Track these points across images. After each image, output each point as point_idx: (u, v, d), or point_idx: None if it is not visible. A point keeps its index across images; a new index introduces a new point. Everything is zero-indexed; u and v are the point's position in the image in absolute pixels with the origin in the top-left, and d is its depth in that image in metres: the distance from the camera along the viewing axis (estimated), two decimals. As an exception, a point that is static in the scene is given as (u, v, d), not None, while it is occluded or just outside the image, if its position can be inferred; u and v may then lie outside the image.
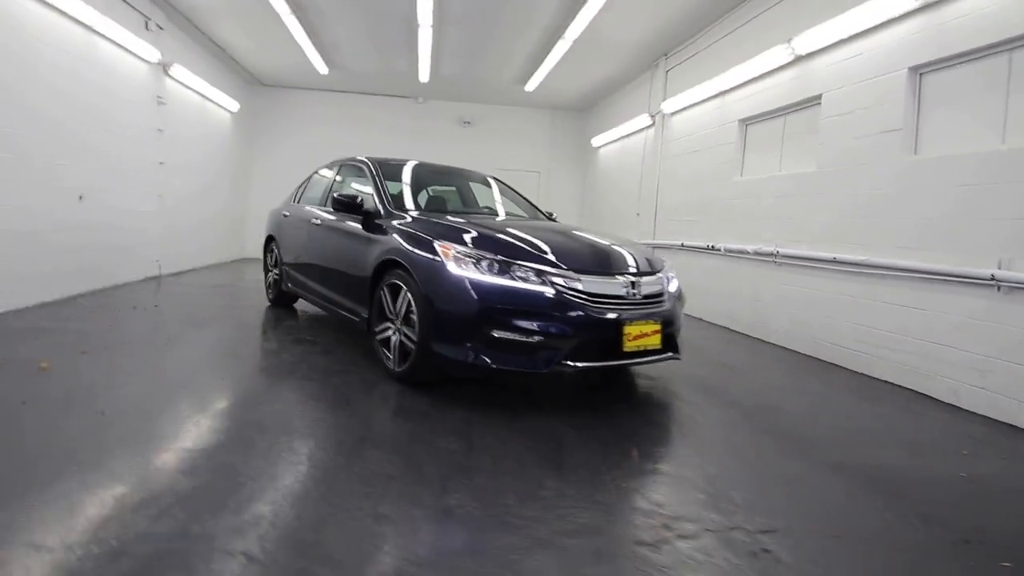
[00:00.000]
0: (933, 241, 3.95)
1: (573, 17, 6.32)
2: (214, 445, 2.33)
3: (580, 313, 2.90)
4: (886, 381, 4.15)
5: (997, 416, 3.41)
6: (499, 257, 2.96)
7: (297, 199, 5.48)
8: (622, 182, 9.54)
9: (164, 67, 6.93)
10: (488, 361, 2.85)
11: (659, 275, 3.44)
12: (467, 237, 3.14)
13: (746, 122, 6.21)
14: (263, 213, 10.80)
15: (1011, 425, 3.29)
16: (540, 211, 4.86)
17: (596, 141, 10.39)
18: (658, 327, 3.18)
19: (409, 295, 3.16)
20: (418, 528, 1.80)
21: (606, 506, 2.04)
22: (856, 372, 4.38)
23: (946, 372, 3.80)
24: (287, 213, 5.40)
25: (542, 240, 3.24)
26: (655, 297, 3.31)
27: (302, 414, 2.81)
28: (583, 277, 3.01)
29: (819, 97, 5.04)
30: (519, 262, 2.96)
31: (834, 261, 4.76)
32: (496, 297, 2.85)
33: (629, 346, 3.03)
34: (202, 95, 8.17)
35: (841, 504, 2.19)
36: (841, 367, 4.54)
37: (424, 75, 8.80)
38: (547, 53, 7.58)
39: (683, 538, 1.83)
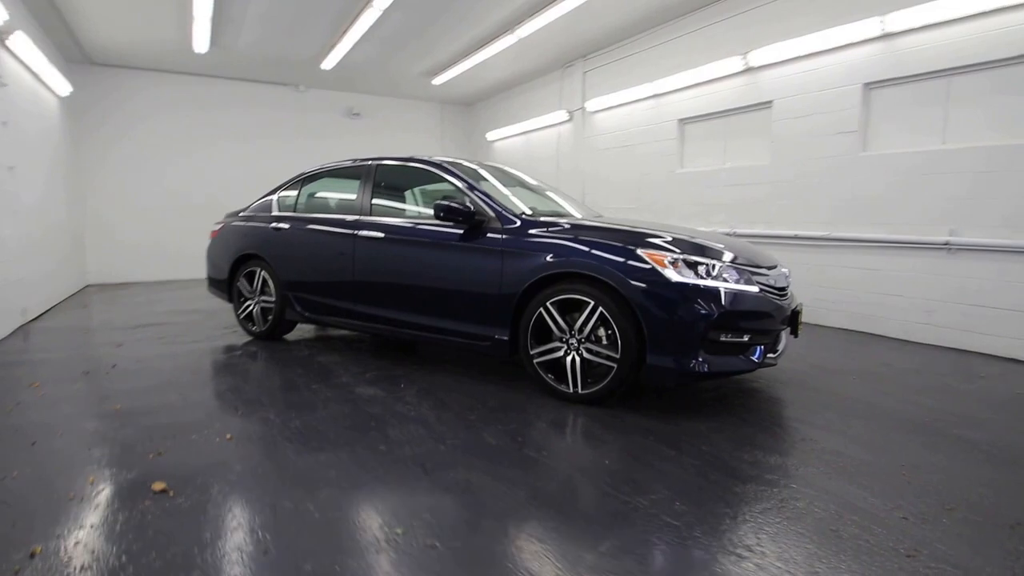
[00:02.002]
0: (886, 217, 4.94)
1: (534, 14, 6.16)
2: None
3: (777, 306, 2.99)
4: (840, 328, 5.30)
5: (942, 343, 4.61)
6: (714, 261, 2.88)
7: (292, 208, 4.43)
8: (527, 173, 9.61)
9: (2, 36, 4.87)
10: (708, 367, 2.77)
11: None
12: (666, 243, 2.97)
13: (685, 121, 6.82)
14: (107, 226, 8.41)
15: (956, 349, 4.49)
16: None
17: (492, 135, 10.28)
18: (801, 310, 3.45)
19: (602, 309, 2.89)
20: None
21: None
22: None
23: (897, 315, 4.88)
24: (282, 225, 4.34)
25: (713, 239, 3.21)
26: None
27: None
28: (768, 272, 3.10)
29: (770, 103, 5.81)
30: (727, 263, 2.92)
31: (795, 237, 5.63)
32: (722, 300, 2.78)
33: (798, 332, 3.23)
34: (35, 74, 5.93)
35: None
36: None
37: (332, 62, 7.66)
38: (482, 48, 7.24)
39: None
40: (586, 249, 2.99)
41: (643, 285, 2.80)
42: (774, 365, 3.02)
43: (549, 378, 3.11)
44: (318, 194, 4.44)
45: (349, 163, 4.32)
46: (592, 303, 2.92)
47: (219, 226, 4.90)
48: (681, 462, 2.36)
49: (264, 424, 2.73)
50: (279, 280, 4.29)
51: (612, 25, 6.75)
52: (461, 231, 3.42)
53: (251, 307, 4.53)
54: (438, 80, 8.76)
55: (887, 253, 4.96)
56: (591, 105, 7.95)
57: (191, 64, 8.00)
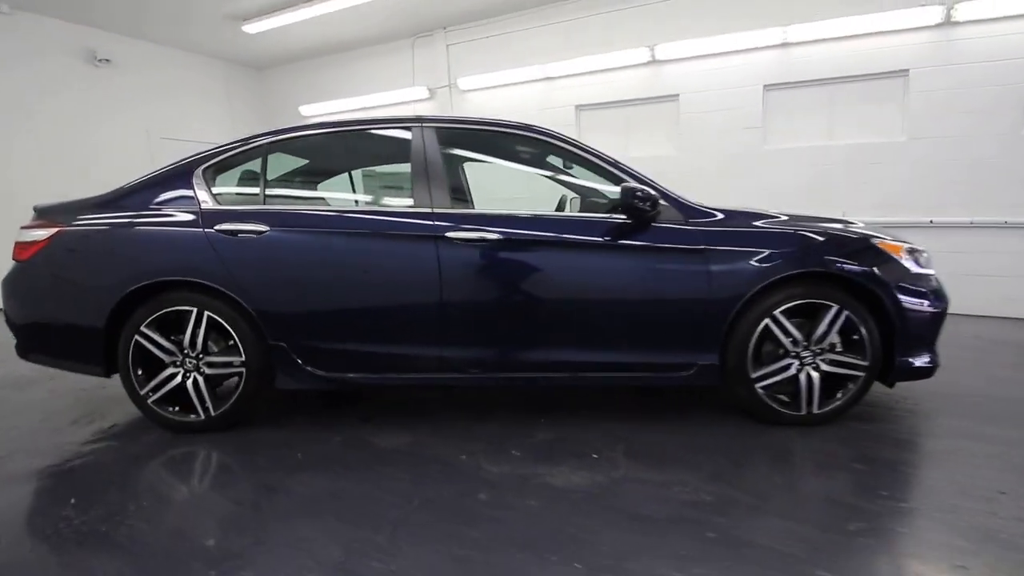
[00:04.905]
0: (788, 203, 5.60)
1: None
2: None
3: None
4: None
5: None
6: (918, 248, 2.65)
7: (259, 199, 2.49)
8: (365, 159, 7.99)
9: None
10: (933, 362, 2.52)
11: None
12: (879, 232, 2.61)
13: (583, 108, 6.52)
14: None
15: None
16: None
17: (309, 110, 8.12)
18: None
19: (847, 312, 2.39)
20: None
21: None
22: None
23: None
24: (254, 229, 2.37)
25: None
26: None
27: None
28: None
29: (677, 96, 5.95)
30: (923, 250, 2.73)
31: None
32: (943, 287, 2.58)
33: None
34: None
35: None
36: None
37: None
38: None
39: None
40: (820, 245, 2.43)
41: (895, 281, 2.42)
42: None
43: (772, 402, 2.45)
44: (310, 174, 2.60)
45: (359, 123, 2.63)
46: (836, 307, 2.39)
47: (44, 235, 2.43)
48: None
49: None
50: (257, 323, 2.37)
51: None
52: (610, 228, 2.45)
53: (179, 379, 2.40)
54: (252, 28, 6.38)
55: (790, 233, 5.64)
56: (465, 83, 6.95)
57: None
